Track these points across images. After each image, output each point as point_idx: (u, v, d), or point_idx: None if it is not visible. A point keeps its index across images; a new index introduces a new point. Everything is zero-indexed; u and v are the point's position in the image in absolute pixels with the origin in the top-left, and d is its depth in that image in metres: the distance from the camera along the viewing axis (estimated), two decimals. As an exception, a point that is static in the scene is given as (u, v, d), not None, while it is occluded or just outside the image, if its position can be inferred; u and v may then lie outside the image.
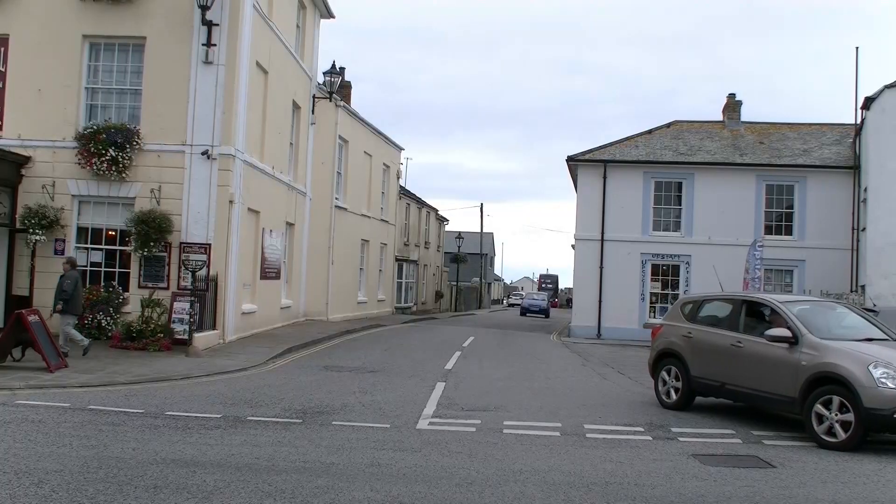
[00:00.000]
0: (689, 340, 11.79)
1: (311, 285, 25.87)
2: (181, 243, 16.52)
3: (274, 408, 10.38)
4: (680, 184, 28.89)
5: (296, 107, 23.18)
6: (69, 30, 17.18)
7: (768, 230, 28.33)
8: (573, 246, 30.52)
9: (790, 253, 27.92)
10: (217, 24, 16.76)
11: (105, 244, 17.28)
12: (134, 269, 16.83)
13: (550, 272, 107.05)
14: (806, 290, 26.87)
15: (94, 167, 16.57)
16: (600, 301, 28.83)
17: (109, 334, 16.08)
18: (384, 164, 35.05)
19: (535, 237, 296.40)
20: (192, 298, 15.74)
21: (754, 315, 11.16)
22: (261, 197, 19.65)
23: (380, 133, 33.86)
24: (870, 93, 24.67)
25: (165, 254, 16.64)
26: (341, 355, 17.39)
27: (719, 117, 32.64)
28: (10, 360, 12.68)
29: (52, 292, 16.83)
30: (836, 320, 10.90)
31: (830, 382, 9.29)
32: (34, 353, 12.50)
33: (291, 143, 23.00)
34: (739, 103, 32.09)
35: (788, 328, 10.01)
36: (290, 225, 23.42)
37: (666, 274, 28.92)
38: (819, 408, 9.29)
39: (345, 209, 28.68)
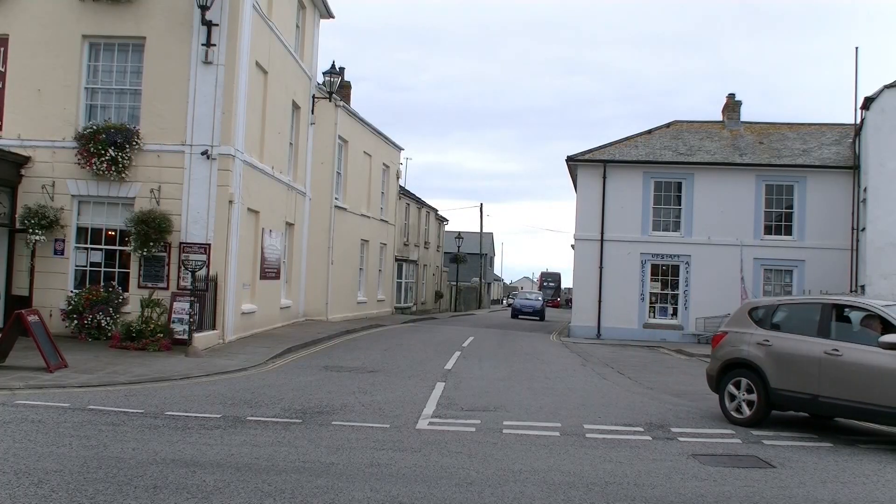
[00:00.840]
0: (766, 349, 10.60)
1: (311, 285, 25.88)
2: (181, 243, 16.52)
3: (274, 408, 10.38)
4: (680, 184, 28.91)
5: (295, 107, 23.19)
6: (69, 30, 17.18)
7: (768, 230, 28.36)
8: (573, 246, 30.53)
9: (790, 253, 27.95)
10: (217, 24, 16.76)
11: (105, 244, 17.28)
12: (134, 269, 16.83)
13: (552, 270, 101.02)
14: (805, 291, 26.90)
15: (94, 167, 16.57)
16: (600, 301, 28.84)
17: (109, 334, 16.08)
18: (384, 164, 35.06)
19: (535, 237, 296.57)
20: (192, 298, 15.74)
21: (845, 320, 10.34)
22: (260, 197, 19.66)
23: (379, 133, 33.86)
24: (869, 93, 24.69)
25: (165, 254, 16.64)
26: (341, 355, 17.39)
27: (719, 117, 32.66)
28: (7, 361, 12.67)
29: (52, 292, 16.91)
30: None
31: None
32: (33, 353, 12.50)
33: (291, 143, 23.00)
34: (739, 103, 32.10)
35: None
36: (289, 225, 23.42)
37: (665, 274, 28.94)
38: None
39: (344, 209, 28.68)
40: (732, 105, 32.07)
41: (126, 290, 16.73)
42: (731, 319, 11.98)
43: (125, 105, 17.42)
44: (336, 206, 27.44)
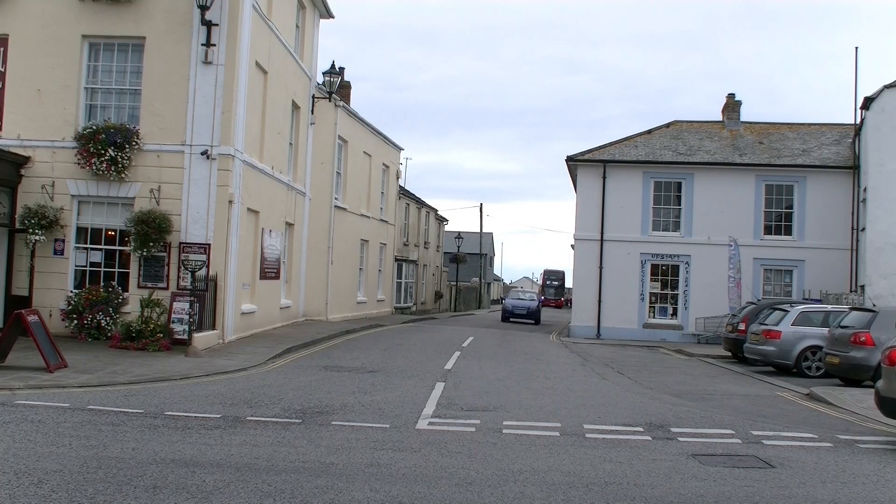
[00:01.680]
0: None
1: (311, 285, 25.87)
2: (181, 243, 16.52)
3: (273, 408, 10.38)
4: (679, 184, 28.92)
5: (295, 107, 23.19)
6: (69, 30, 17.17)
7: (768, 230, 28.38)
8: (573, 246, 30.54)
9: (789, 253, 27.97)
10: (216, 25, 16.76)
11: (104, 244, 17.28)
12: (133, 269, 16.83)
13: (555, 268, 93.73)
14: (805, 291, 26.91)
15: (94, 167, 16.57)
16: (600, 301, 28.85)
17: (109, 334, 16.07)
18: (384, 164, 35.05)
19: (535, 237, 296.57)
20: (192, 298, 15.74)
21: None
22: (260, 197, 19.66)
23: (379, 133, 33.86)
24: (869, 93, 24.70)
25: (165, 254, 16.64)
26: (341, 355, 17.39)
27: (719, 117, 32.67)
28: (7, 362, 12.67)
29: (51, 292, 16.90)
30: None
31: None
32: (31, 353, 12.50)
33: (291, 143, 23.00)
34: (739, 103, 32.11)
35: None
36: (289, 225, 23.42)
37: (665, 274, 28.95)
38: None
39: (344, 209, 28.67)
40: (732, 105, 32.08)
41: (126, 290, 16.72)
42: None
43: (125, 105, 17.42)
44: (336, 206, 27.44)
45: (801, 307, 19.18)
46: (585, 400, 12.53)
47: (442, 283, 55.95)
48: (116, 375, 12.26)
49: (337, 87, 25.71)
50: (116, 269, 17.11)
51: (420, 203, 46.69)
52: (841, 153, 29.08)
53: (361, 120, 30.92)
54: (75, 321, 16.20)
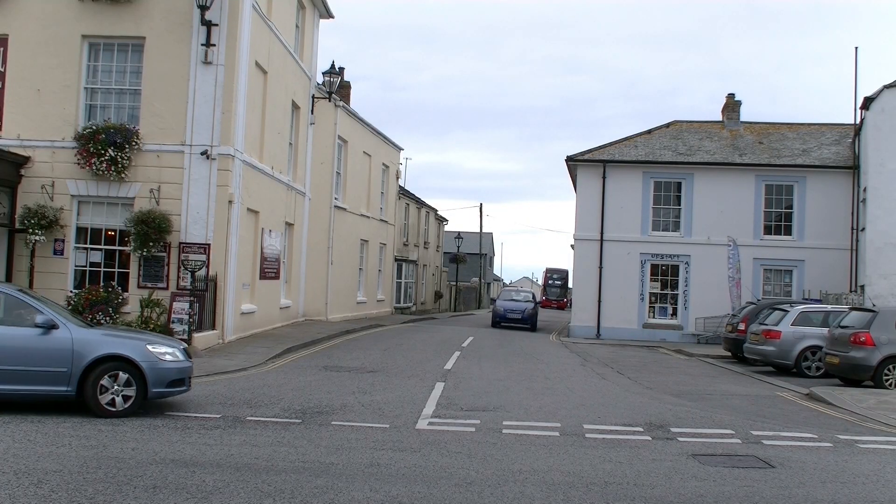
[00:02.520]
0: None
1: (311, 285, 25.87)
2: (180, 243, 16.52)
3: (273, 408, 10.38)
4: (679, 184, 28.92)
5: (295, 107, 23.18)
6: (68, 30, 17.17)
7: (767, 230, 28.37)
8: (572, 246, 30.54)
9: (789, 253, 27.96)
10: (216, 25, 16.76)
11: (104, 244, 17.27)
12: (133, 269, 16.82)
13: (558, 267, 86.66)
14: (805, 291, 26.91)
15: (94, 167, 16.57)
16: (599, 301, 28.84)
17: (109, 334, 16.05)
18: (383, 164, 35.06)
19: (535, 237, 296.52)
20: (192, 298, 15.74)
21: None
22: (260, 197, 19.66)
23: (379, 133, 33.86)
24: (869, 93, 24.71)
25: (165, 254, 16.63)
26: (340, 355, 17.39)
27: (719, 117, 32.67)
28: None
29: (51, 292, 16.87)
30: None
31: None
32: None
33: (291, 143, 23.00)
34: (739, 103, 32.11)
35: None
36: (289, 225, 23.42)
37: (665, 274, 28.94)
38: None
39: (344, 209, 28.67)
40: (732, 105, 32.07)
41: (126, 290, 16.70)
42: None
43: (125, 105, 17.42)
44: (336, 206, 27.43)
45: (800, 307, 19.18)
46: (585, 400, 12.53)
47: (442, 283, 55.96)
48: (116, 375, 12.22)
49: (337, 87, 25.70)
50: (116, 269, 17.10)
51: (420, 203, 46.69)
52: (841, 153, 29.08)
53: (361, 120, 30.92)
54: (75, 321, 16.18)
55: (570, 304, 31.60)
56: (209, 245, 16.48)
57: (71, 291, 16.79)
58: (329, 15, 25.44)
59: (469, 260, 65.75)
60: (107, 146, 16.44)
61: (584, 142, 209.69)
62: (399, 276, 40.07)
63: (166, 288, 16.49)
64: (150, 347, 9.88)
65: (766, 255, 28.07)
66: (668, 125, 32.20)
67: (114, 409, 9.39)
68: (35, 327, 9.48)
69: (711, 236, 28.21)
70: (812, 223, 27.93)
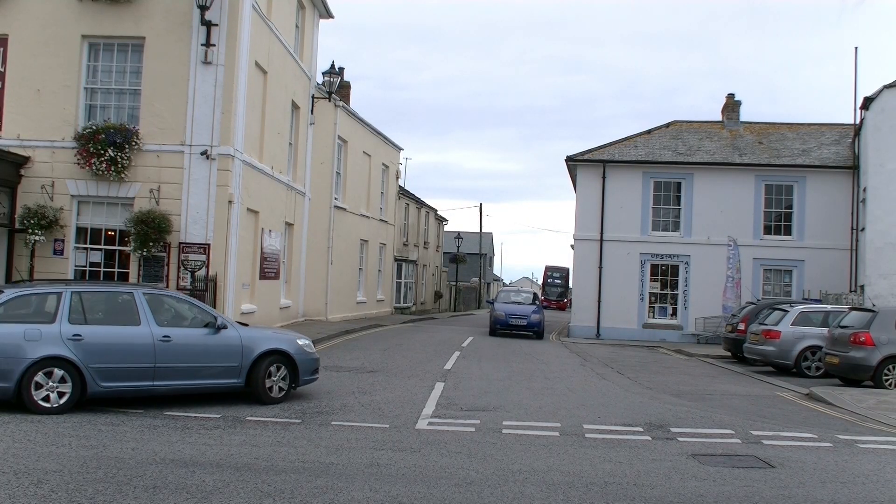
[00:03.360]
0: None
1: (311, 285, 25.87)
2: (180, 243, 16.53)
3: (273, 408, 10.38)
4: (679, 184, 28.92)
5: (295, 107, 23.18)
6: (68, 30, 17.18)
7: (767, 230, 28.38)
8: (572, 246, 30.54)
9: (789, 253, 27.97)
10: (216, 25, 16.77)
11: (104, 244, 17.28)
12: (133, 270, 16.83)
13: (558, 264, 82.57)
14: (805, 291, 26.92)
15: (93, 167, 16.57)
16: (599, 301, 28.84)
17: (108, 334, 16.06)
18: (383, 164, 35.06)
19: (535, 237, 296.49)
20: (192, 298, 15.73)
21: None
22: (260, 197, 19.66)
23: (379, 133, 33.87)
24: (869, 93, 24.71)
25: (164, 254, 16.64)
26: (340, 355, 17.39)
27: (719, 117, 32.67)
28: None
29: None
30: None
31: None
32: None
33: (290, 143, 23.00)
34: (739, 103, 32.12)
35: None
36: (289, 225, 23.42)
37: (665, 274, 28.95)
38: None
39: (344, 209, 28.67)
40: (732, 105, 32.08)
41: (125, 290, 16.70)
42: None
43: (125, 105, 17.42)
44: (335, 206, 27.44)
45: (800, 307, 19.18)
46: (585, 400, 12.53)
47: (441, 283, 55.96)
48: (116, 375, 12.22)
49: (336, 87, 25.70)
50: (116, 270, 17.11)
51: (420, 203, 46.70)
52: (841, 153, 29.08)
53: (361, 120, 30.93)
54: (75, 321, 16.19)
55: (571, 304, 30.94)
56: (209, 245, 16.49)
57: (71, 291, 16.79)
58: (329, 15, 25.44)
59: (469, 260, 65.76)
60: (107, 146, 16.45)
61: (585, 141, 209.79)
62: (399, 276, 40.07)
63: (166, 288, 16.49)
64: (298, 341, 11.44)
65: (765, 255, 28.08)
66: (667, 125, 32.20)
67: (276, 397, 10.90)
68: (205, 327, 10.74)
69: (711, 236, 28.22)
70: (812, 223, 27.94)
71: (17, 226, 16.83)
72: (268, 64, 19.60)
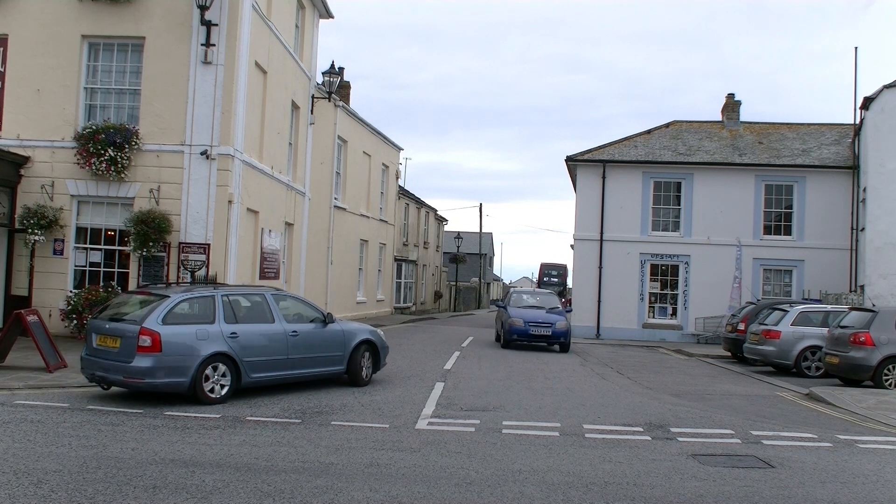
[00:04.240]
0: None
1: (310, 285, 25.85)
2: (180, 243, 16.53)
3: (273, 408, 10.38)
4: (679, 184, 28.92)
5: (295, 107, 23.18)
6: (68, 30, 17.18)
7: (767, 230, 28.39)
8: (572, 246, 30.54)
9: (789, 253, 27.97)
10: (216, 25, 16.77)
11: (104, 244, 17.29)
12: (133, 269, 16.84)
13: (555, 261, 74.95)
14: (805, 291, 26.92)
15: (93, 167, 16.58)
16: (599, 301, 28.85)
17: (108, 334, 16.06)
18: (383, 164, 35.06)
19: (535, 237, 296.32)
20: (191, 298, 15.72)
21: None
22: (260, 197, 19.66)
23: (379, 133, 33.87)
24: (869, 93, 24.71)
25: (164, 254, 16.65)
26: (340, 355, 17.36)
27: (719, 117, 32.68)
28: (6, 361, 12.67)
29: (51, 292, 16.91)
30: None
31: None
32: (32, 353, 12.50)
33: (290, 143, 22.99)
34: (738, 103, 32.13)
35: None
36: (289, 225, 23.41)
37: (665, 274, 28.95)
38: None
39: (344, 209, 28.67)
40: (732, 105, 32.09)
41: (125, 290, 16.71)
42: None
43: (124, 105, 17.43)
44: (335, 206, 27.43)
45: (800, 307, 19.17)
46: (585, 400, 12.53)
47: (441, 283, 55.96)
48: (116, 375, 12.23)
49: (336, 87, 25.69)
50: (116, 269, 17.12)
51: (420, 203, 46.70)
52: (841, 153, 29.09)
53: (361, 120, 30.92)
54: (75, 321, 16.20)
55: (569, 304, 30.45)
56: (209, 245, 16.49)
57: (70, 291, 16.81)
58: (329, 15, 25.43)
59: (469, 260, 65.76)
60: (106, 146, 16.45)
61: (585, 141, 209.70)
62: (399, 276, 40.08)
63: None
64: (378, 332, 13.29)
65: (765, 255, 28.09)
66: (667, 125, 32.22)
67: (367, 381, 12.91)
68: (317, 322, 12.33)
69: (711, 236, 28.23)
70: (812, 223, 27.94)
71: (16, 226, 16.84)
72: (268, 64, 19.59)
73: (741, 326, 20.96)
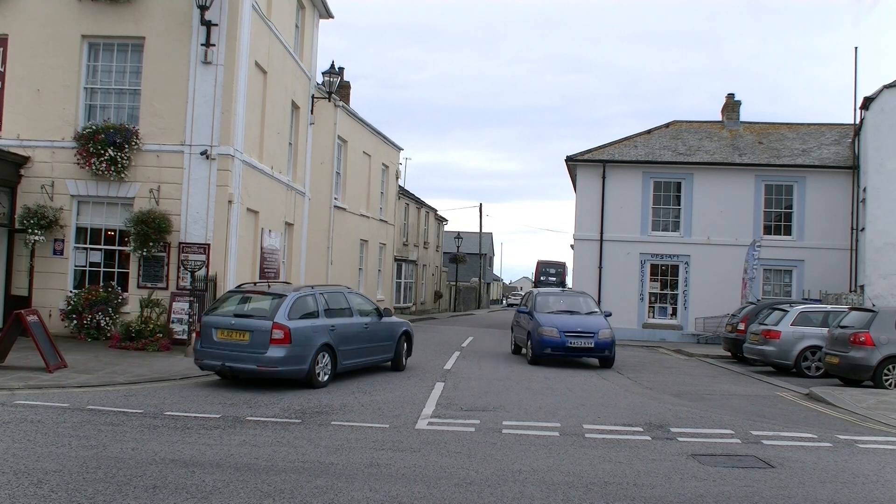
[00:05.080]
0: None
1: (311, 285, 25.85)
2: (180, 243, 16.52)
3: (273, 408, 10.38)
4: (679, 184, 28.93)
5: (295, 107, 23.17)
6: (68, 30, 17.18)
7: (767, 230, 28.39)
8: (572, 246, 30.54)
9: (789, 253, 27.97)
10: (216, 25, 16.77)
11: (104, 244, 17.29)
12: (133, 270, 16.84)
13: (552, 259, 68.84)
14: (805, 291, 26.92)
15: (93, 167, 16.58)
16: (599, 301, 28.81)
17: (108, 334, 16.09)
18: (383, 163, 35.06)
19: (535, 237, 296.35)
20: (191, 298, 15.75)
21: None
22: (260, 197, 19.65)
23: (379, 133, 33.86)
24: (869, 93, 24.71)
25: (164, 254, 16.65)
26: (340, 355, 17.36)
27: (719, 117, 32.68)
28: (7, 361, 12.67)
29: (51, 292, 16.91)
30: None
31: None
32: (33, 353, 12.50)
33: (290, 143, 22.99)
34: (738, 103, 32.13)
35: None
36: (288, 225, 23.40)
37: (665, 274, 28.95)
38: None
39: (344, 209, 28.66)
40: (732, 105, 32.09)
41: (125, 290, 16.73)
42: None
43: (124, 105, 17.42)
44: (335, 206, 27.43)
45: (800, 307, 19.17)
46: (585, 400, 12.52)
47: (441, 283, 55.96)
48: (116, 375, 12.26)
49: (336, 87, 25.68)
50: (116, 269, 17.12)
51: (419, 203, 46.70)
52: (840, 153, 29.09)
53: (361, 120, 30.92)
54: (75, 321, 16.21)
55: None
56: (209, 245, 16.49)
57: (71, 291, 16.81)
58: (329, 15, 25.42)
59: (469, 260, 65.76)
60: (106, 146, 16.45)
61: (585, 141, 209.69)
62: (399, 276, 40.08)
63: (166, 288, 16.50)
64: (410, 323, 15.86)
65: (765, 255, 28.07)
66: (667, 125, 32.22)
67: (404, 367, 15.10)
68: (370, 315, 14.18)
69: (711, 236, 28.24)
70: (812, 223, 27.95)
71: (16, 226, 16.84)
72: (268, 64, 19.59)
73: (741, 326, 20.95)
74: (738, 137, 30.93)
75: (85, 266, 17.18)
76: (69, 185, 17.03)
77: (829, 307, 19.51)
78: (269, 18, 19.57)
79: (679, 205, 28.92)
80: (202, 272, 16.19)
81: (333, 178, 27.18)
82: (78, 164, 16.76)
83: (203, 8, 16.43)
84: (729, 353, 22.13)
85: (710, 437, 9.70)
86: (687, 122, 32.75)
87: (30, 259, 16.94)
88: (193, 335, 13.65)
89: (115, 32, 17.20)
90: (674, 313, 28.86)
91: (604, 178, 28.96)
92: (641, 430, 9.96)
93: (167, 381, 12.30)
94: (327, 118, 26.51)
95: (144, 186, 16.86)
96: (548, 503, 6.45)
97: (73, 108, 17.18)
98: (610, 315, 19.64)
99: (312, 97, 24.96)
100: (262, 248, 20.23)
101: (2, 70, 17.38)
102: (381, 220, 34.92)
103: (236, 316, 12.11)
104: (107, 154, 16.44)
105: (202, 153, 16.72)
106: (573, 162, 29.93)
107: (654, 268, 28.96)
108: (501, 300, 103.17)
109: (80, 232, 17.26)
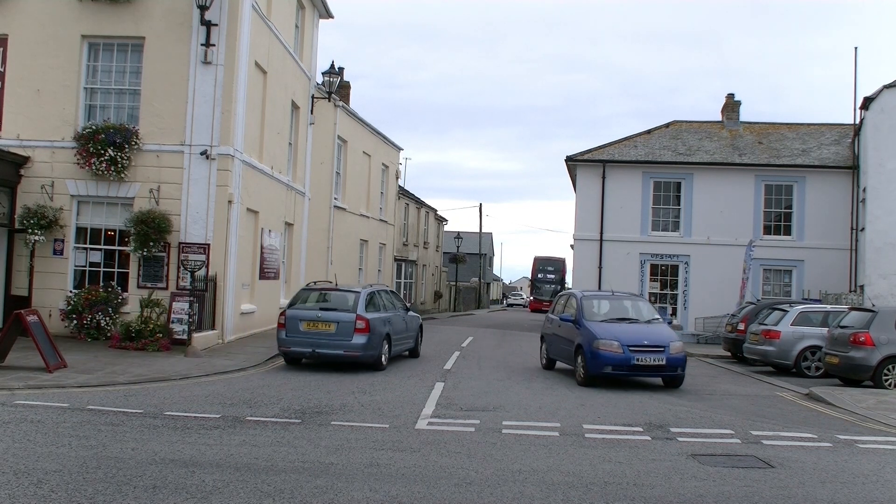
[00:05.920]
0: None
1: (310, 285, 25.85)
2: (180, 243, 16.52)
3: (273, 408, 10.38)
4: (679, 184, 28.92)
5: (294, 107, 23.18)
6: (68, 30, 17.18)
7: (767, 230, 28.37)
8: (572, 246, 30.54)
9: (789, 253, 27.96)
10: (216, 25, 16.77)
11: (104, 244, 17.29)
12: (133, 270, 16.84)
13: (551, 255, 65.90)
14: (805, 291, 26.91)
15: (93, 167, 16.58)
16: (599, 301, 28.79)
17: (108, 334, 16.08)
18: (383, 163, 35.06)
19: (535, 237, 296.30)
20: (191, 298, 15.74)
21: None
22: (260, 197, 19.66)
23: (379, 133, 33.86)
24: (869, 93, 24.71)
25: (164, 254, 16.65)
26: (340, 355, 17.36)
27: (719, 117, 32.67)
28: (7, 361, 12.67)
29: (51, 292, 16.91)
30: None
31: None
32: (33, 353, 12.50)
33: (290, 143, 23.00)
34: (738, 103, 32.12)
35: None
36: (288, 225, 23.41)
37: (665, 274, 28.94)
38: None
39: (343, 209, 28.66)
40: (732, 105, 32.08)
41: (125, 290, 16.73)
42: None
43: (124, 105, 17.43)
44: (335, 206, 27.43)
45: (800, 307, 19.17)
46: (585, 400, 12.53)
47: (441, 283, 55.96)
48: (116, 375, 12.26)
49: (336, 87, 25.69)
50: (116, 269, 17.12)
51: (419, 203, 46.70)
52: (840, 153, 29.09)
53: (361, 120, 30.92)
54: (75, 321, 16.21)
55: None
56: (209, 245, 16.49)
57: (70, 291, 16.81)
58: (329, 15, 25.43)
59: (469, 260, 65.75)
60: (106, 146, 16.45)
61: (585, 140, 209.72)
62: (399, 276, 40.08)
63: (166, 288, 16.50)
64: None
65: (765, 255, 28.07)
66: (667, 125, 32.21)
67: (419, 355, 17.76)
68: (398, 310, 16.49)
69: (711, 236, 28.22)
70: (812, 223, 27.93)
71: (16, 226, 16.84)
72: (267, 64, 19.59)
73: (741, 326, 20.94)
74: (738, 137, 30.92)
75: (85, 266, 17.18)
76: (69, 185, 17.03)
77: (828, 307, 19.51)
78: (268, 18, 19.57)
79: (679, 205, 28.91)
80: (202, 272, 16.19)
81: (333, 178, 27.19)
82: (78, 164, 16.76)
83: (203, 8, 16.43)
84: (729, 353, 22.12)
85: (710, 437, 9.70)
86: (687, 122, 32.73)
87: (30, 259, 16.94)
88: (276, 326, 15.62)
89: (114, 32, 17.21)
90: (674, 313, 28.83)
91: (604, 178, 28.96)
92: (641, 430, 9.96)
93: (167, 381, 12.30)
94: (327, 118, 26.52)
95: (144, 186, 16.86)
96: (547, 503, 6.45)
97: (72, 108, 17.18)
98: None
99: (312, 97, 24.97)
100: (261, 248, 20.23)
101: (2, 70, 17.39)
102: (380, 220, 34.92)
103: (322, 309, 14.53)
104: (107, 154, 16.44)
105: (202, 153, 16.73)
106: (573, 162, 29.92)
107: (653, 268, 28.95)
108: (501, 300, 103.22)
109: (80, 232, 17.26)
